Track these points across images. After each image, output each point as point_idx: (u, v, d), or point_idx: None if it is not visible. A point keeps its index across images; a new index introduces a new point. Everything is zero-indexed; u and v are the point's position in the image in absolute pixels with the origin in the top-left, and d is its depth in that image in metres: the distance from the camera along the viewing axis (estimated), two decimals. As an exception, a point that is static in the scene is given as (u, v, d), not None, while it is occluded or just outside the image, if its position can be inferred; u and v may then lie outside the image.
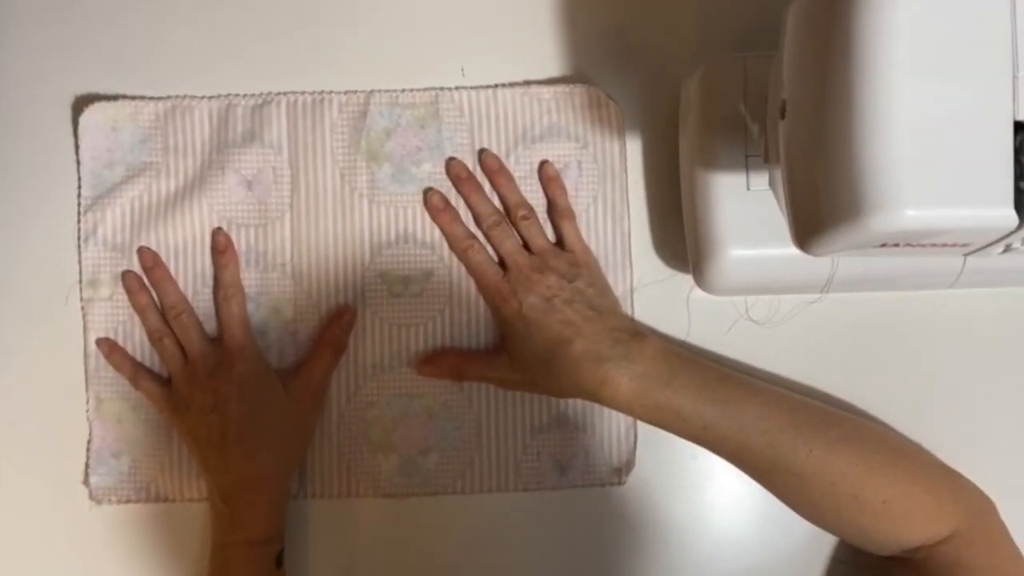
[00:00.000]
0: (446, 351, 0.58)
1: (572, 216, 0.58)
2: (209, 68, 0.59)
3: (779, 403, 0.52)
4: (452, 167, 0.58)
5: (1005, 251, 0.40)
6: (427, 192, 0.58)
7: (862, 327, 0.58)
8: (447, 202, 0.57)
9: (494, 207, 0.57)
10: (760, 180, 0.52)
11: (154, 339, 0.57)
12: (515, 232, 0.57)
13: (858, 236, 0.37)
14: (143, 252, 0.57)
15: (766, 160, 0.50)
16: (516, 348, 0.55)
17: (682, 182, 0.56)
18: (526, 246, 0.57)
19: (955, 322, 0.58)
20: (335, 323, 0.57)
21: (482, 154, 0.58)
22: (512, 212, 0.57)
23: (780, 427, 0.51)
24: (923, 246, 0.39)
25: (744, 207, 0.53)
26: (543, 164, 0.58)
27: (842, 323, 0.58)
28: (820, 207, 0.38)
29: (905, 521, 0.50)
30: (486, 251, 0.57)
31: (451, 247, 0.58)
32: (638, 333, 0.54)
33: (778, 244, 0.53)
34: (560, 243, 0.57)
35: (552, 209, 0.58)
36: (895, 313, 0.58)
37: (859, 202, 0.36)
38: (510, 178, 0.57)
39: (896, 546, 0.51)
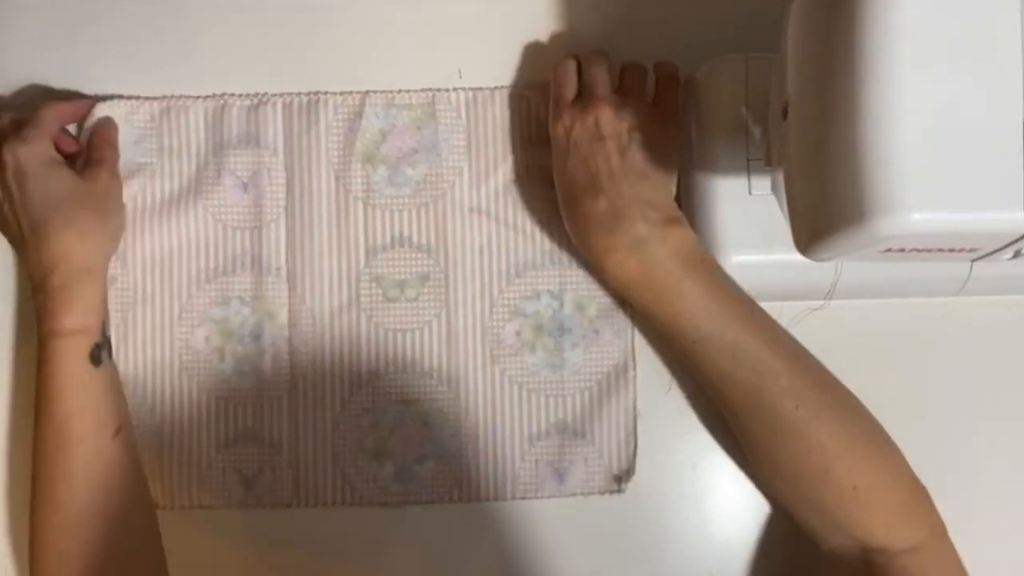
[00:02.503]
0: None
1: (676, 84, 0.54)
2: (204, 67, 0.58)
3: (783, 348, 0.49)
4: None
5: (1014, 256, 0.39)
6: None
7: (866, 335, 0.57)
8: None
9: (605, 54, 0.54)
10: (762, 184, 0.51)
11: None
12: (614, 71, 0.53)
13: (862, 241, 0.36)
14: None
15: (768, 163, 0.49)
16: (555, 167, 0.53)
17: (682, 187, 0.55)
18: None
19: (961, 330, 0.57)
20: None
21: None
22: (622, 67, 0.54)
23: (774, 372, 0.48)
24: (929, 251, 0.38)
25: (746, 212, 0.52)
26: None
27: (846, 331, 0.57)
28: (823, 211, 0.37)
29: (871, 514, 0.48)
30: (575, 70, 0.54)
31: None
32: (671, 219, 0.50)
33: (781, 249, 0.51)
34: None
35: (658, 70, 0.55)
36: (900, 321, 0.57)
37: (863, 206, 0.35)
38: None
39: (849, 537, 0.49)
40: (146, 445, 0.56)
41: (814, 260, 0.40)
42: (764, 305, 0.57)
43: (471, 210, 0.57)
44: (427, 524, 0.57)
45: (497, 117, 0.57)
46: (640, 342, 0.57)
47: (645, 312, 0.51)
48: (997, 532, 0.55)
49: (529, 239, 0.57)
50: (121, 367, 0.57)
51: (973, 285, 0.53)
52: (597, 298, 0.57)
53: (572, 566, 0.57)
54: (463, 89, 0.57)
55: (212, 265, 0.57)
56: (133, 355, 0.57)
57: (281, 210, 0.57)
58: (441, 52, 0.58)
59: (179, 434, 0.57)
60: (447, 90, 0.57)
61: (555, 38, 0.58)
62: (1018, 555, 0.56)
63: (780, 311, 0.57)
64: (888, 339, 0.58)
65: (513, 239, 0.57)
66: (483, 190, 0.57)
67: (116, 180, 0.56)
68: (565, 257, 0.57)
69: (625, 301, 0.55)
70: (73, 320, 0.51)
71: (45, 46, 0.59)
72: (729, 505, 0.57)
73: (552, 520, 0.57)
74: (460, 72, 0.58)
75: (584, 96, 0.52)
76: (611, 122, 0.50)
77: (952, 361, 0.57)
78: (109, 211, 0.55)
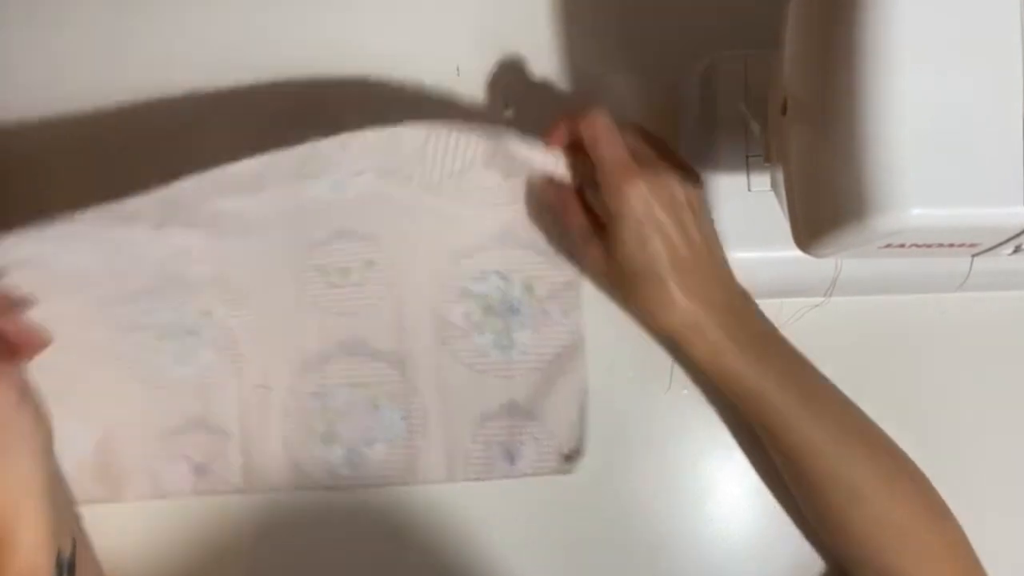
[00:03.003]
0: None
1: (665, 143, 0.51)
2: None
3: (856, 420, 0.50)
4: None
5: (1015, 252, 0.39)
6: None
7: (866, 332, 0.57)
8: None
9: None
10: (761, 181, 0.51)
11: None
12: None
13: (862, 237, 0.36)
14: None
15: (767, 160, 0.49)
16: (620, 237, 0.48)
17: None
18: None
19: (961, 327, 0.57)
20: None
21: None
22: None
23: (850, 443, 0.49)
24: (929, 247, 0.37)
25: (745, 208, 0.52)
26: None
27: (845, 328, 0.57)
28: (822, 207, 0.37)
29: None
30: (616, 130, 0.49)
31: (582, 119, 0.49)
32: (742, 289, 0.50)
33: (780, 246, 0.51)
34: None
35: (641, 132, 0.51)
36: (900, 317, 0.57)
37: (863, 201, 0.35)
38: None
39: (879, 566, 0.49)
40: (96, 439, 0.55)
41: (814, 256, 0.40)
42: (764, 303, 0.57)
43: (416, 195, 0.54)
44: (378, 507, 0.56)
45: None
46: (637, 340, 0.57)
47: (725, 384, 0.50)
48: (998, 528, 0.55)
49: (476, 220, 0.56)
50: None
51: (974, 280, 0.52)
52: (547, 278, 0.56)
53: (528, 550, 0.56)
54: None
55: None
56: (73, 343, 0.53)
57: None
58: (438, 46, 0.58)
59: (125, 426, 0.55)
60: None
61: (553, 34, 0.58)
62: (1019, 552, 0.55)
63: (780, 308, 0.57)
64: (888, 336, 0.57)
65: (460, 220, 0.55)
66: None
67: (26, 409, 0.45)
68: (513, 238, 0.56)
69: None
70: (23, 560, 0.43)
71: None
72: (730, 504, 0.57)
73: (501, 503, 0.56)
74: (458, 70, 0.58)
75: (640, 161, 0.48)
76: (683, 188, 0.48)
77: (952, 357, 0.57)
78: (25, 445, 0.45)
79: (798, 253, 0.51)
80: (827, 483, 0.49)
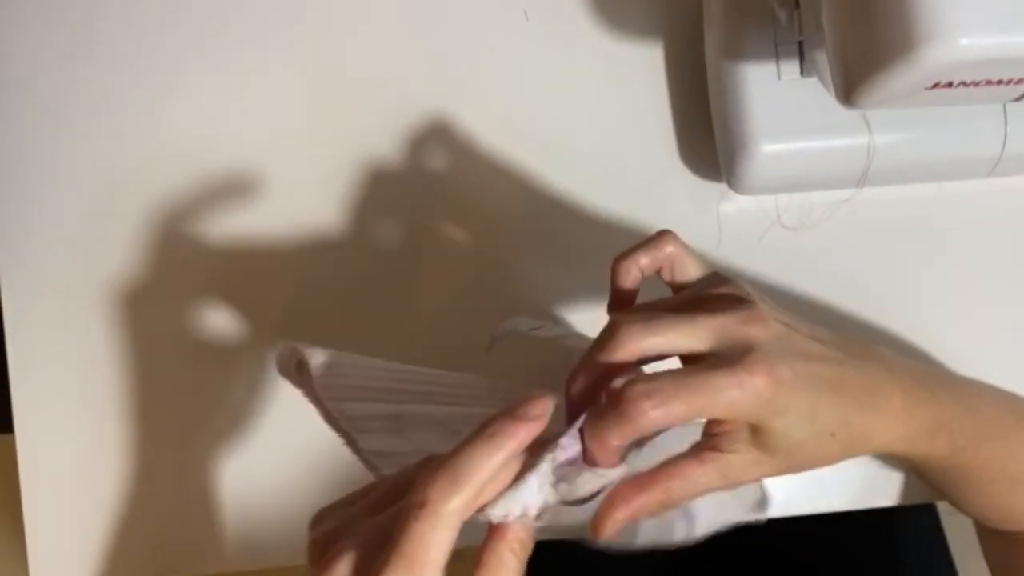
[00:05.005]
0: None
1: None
2: None
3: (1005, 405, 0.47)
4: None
5: (1061, 91, 0.39)
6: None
7: (897, 226, 0.57)
8: None
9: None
10: (791, 69, 0.51)
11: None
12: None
13: (910, 76, 0.36)
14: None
15: (800, 34, 0.48)
16: (783, 428, 0.35)
17: (709, 78, 0.54)
18: None
19: (992, 216, 0.57)
20: None
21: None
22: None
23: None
24: (977, 85, 0.37)
25: (776, 98, 0.51)
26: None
27: (877, 223, 0.57)
28: (867, 49, 0.37)
29: None
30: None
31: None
32: (866, 343, 0.42)
33: (813, 136, 0.51)
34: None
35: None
36: (930, 210, 0.57)
37: (909, 35, 0.35)
38: None
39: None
40: None
41: (858, 107, 0.40)
42: (794, 204, 0.57)
43: None
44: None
45: None
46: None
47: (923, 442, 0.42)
48: None
49: None
50: None
51: (1004, 165, 0.52)
52: None
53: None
54: None
55: None
56: None
57: None
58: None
59: None
60: None
61: None
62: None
63: (810, 207, 0.57)
64: (920, 230, 0.57)
65: None
66: None
67: None
68: None
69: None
70: None
71: None
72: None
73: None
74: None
75: (719, 340, 0.36)
76: (776, 307, 0.39)
77: (984, 248, 0.57)
78: None
79: (830, 143, 0.52)
80: (992, 477, 0.46)
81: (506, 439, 0.32)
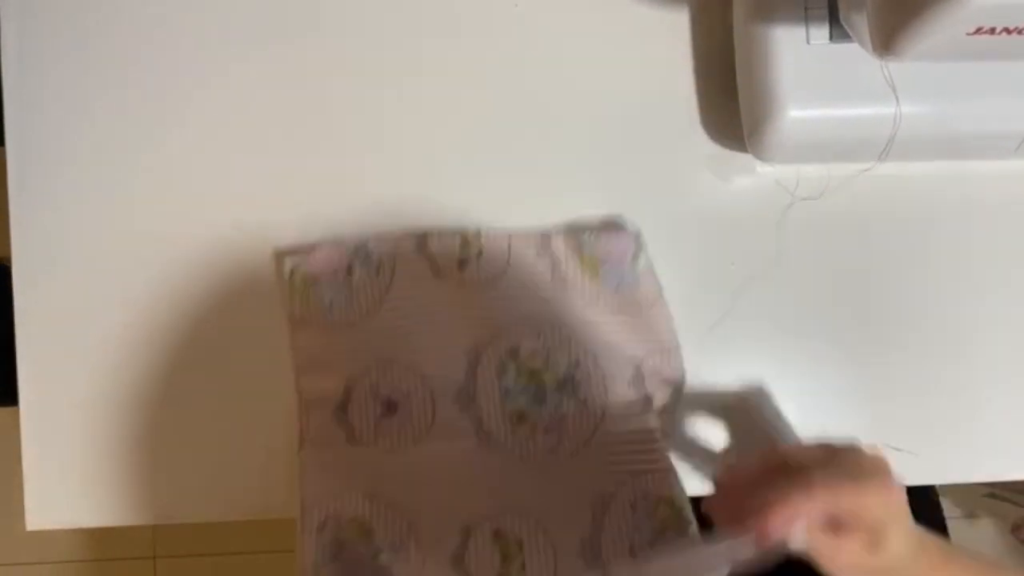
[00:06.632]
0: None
1: None
2: None
3: None
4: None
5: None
6: None
7: (917, 202, 0.57)
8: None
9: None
10: (820, 34, 0.51)
11: None
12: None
13: (951, 19, 0.36)
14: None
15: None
16: (890, 539, 0.44)
17: (736, 42, 0.54)
18: None
19: (1015, 195, 0.57)
20: None
21: None
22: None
23: None
24: (1020, 32, 0.37)
25: (804, 63, 0.51)
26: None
27: (896, 199, 0.56)
28: (910, -5, 0.37)
29: None
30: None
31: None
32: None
33: (840, 103, 0.51)
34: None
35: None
36: (951, 188, 0.57)
37: (954, -22, 0.34)
38: None
39: None
40: None
41: (898, 58, 0.39)
42: (812, 178, 0.56)
43: None
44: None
45: None
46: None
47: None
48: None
49: None
50: None
51: (1030, 144, 0.52)
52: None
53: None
54: None
55: None
56: None
57: None
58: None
59: None
60: None
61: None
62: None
63: (828, 179, 0.56)
64: (939, 206, 0.57)
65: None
66: None
67: None
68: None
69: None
70: None
71: None
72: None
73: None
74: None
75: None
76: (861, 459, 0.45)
77: (1005, 226, 0.57)
78: None
79: (857, 111, 0.51)
80: None
81: None
